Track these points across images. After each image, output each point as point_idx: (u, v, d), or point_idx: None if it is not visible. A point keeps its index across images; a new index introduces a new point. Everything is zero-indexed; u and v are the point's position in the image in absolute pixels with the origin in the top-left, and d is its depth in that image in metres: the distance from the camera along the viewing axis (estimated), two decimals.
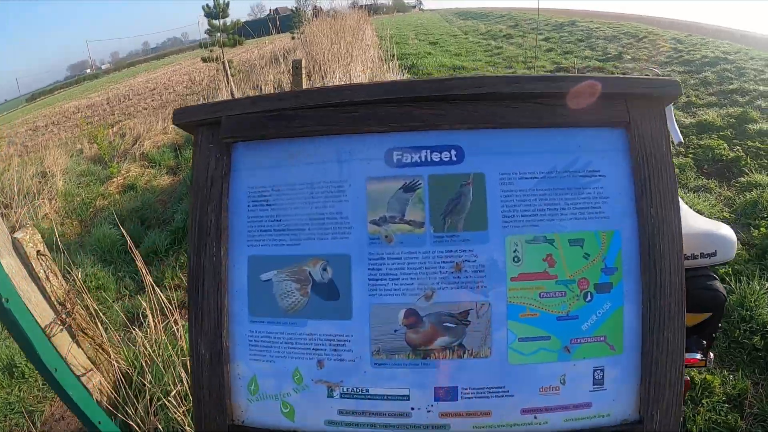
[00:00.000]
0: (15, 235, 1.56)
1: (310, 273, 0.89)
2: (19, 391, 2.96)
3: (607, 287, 0.85)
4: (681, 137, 1.60)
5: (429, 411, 0.86)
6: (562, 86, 0.84)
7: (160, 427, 1.61)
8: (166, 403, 1.64)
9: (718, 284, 0.97)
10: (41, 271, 1.57)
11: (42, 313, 1.47)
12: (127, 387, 1.65)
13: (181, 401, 1.65)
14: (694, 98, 5.68)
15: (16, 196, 5.50)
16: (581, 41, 11.00)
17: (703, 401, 2.12)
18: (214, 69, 8.41)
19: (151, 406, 1.67)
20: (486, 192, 0.86)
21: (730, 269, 2.69)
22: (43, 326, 1.41)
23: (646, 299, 0.82)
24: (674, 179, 0.82)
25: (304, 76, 5.15)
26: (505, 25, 17.58)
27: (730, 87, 5.84)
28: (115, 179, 6.28)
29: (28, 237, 1.60)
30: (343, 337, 0.87)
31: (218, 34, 9.47)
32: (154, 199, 5.30)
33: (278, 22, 10.18)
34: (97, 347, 1.69)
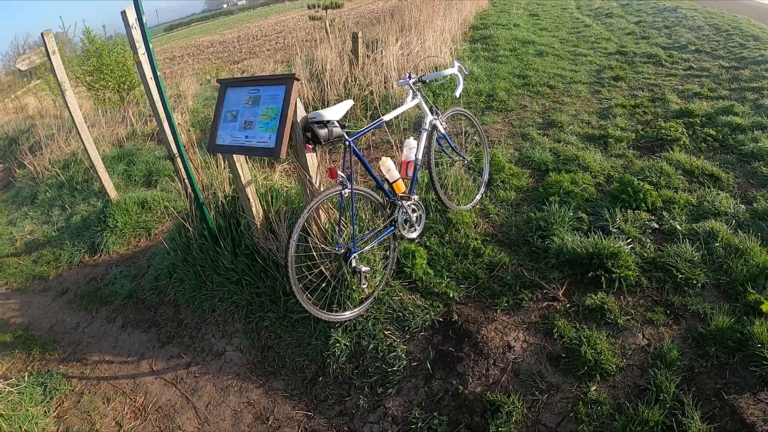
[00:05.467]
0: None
1: None
2: (146, 217, 4.95)
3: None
4: (458, 95, 3.06)
5: None
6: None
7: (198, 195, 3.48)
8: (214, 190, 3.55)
9: (316, 129, 2.42)
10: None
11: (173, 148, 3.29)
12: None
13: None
14: (705, 91, 5.95)
15: None
16: (667, 28, 11.02)
17: (472, 257, 3.20)
18: (319, 26, 10.00)
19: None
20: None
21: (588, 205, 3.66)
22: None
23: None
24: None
25: (360, 44, 6.57)
26: (618, 2, 17.06)
27: (752, 85, 6.01)
28: None
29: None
30: None
31: None
32: None
33: None
34: (195, 169, 3.52)
